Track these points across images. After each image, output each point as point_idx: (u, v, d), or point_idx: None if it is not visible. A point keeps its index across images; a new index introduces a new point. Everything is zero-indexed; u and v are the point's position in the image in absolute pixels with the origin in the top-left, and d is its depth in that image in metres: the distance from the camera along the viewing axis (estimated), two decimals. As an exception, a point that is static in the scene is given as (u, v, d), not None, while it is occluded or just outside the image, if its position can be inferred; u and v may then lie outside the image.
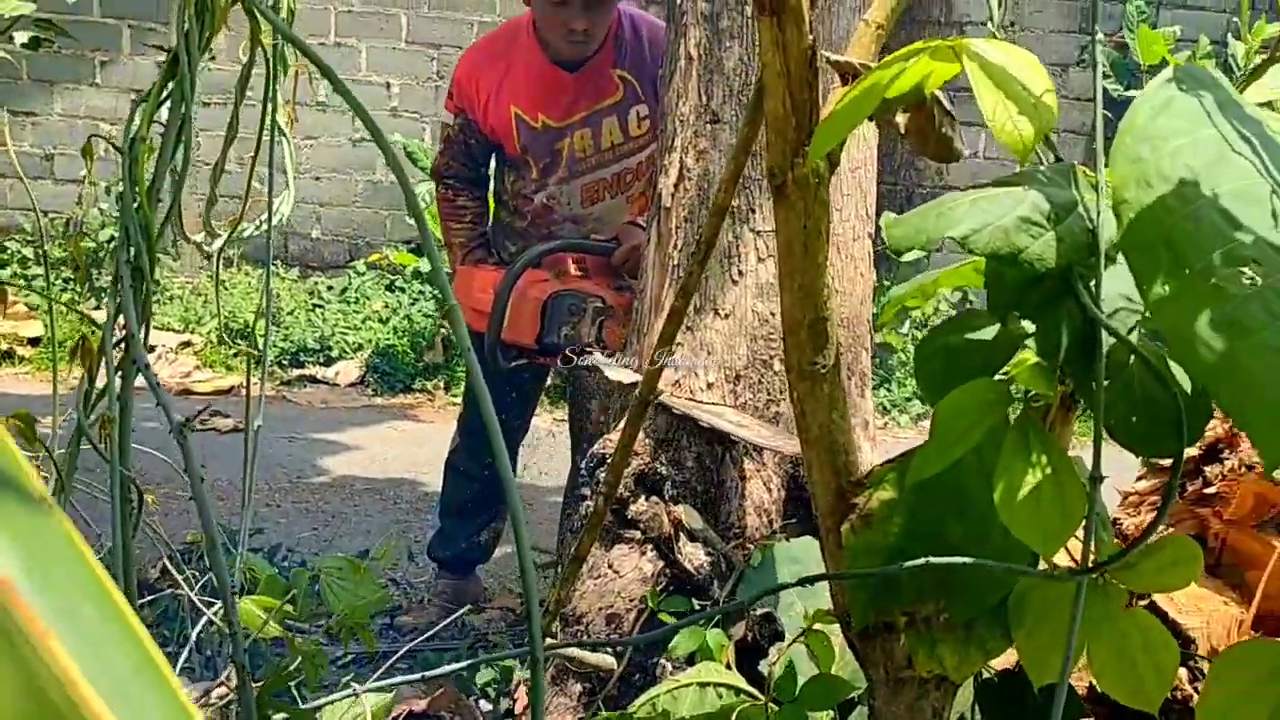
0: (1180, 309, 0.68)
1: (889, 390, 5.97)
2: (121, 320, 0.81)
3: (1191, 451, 1.96)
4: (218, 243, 1.39)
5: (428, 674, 1.15)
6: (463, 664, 1.10)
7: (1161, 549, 1.12)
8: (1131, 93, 6.25)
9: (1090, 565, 1.00)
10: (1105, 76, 6.29)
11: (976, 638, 1.18)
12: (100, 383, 0.83)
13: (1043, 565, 1.14)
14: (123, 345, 0.81)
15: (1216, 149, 0.76)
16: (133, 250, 0.84)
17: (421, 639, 2.18)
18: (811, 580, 1.18)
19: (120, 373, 0.82)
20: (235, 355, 5.76)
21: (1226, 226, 0.71)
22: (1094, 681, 1.71)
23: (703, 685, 1.64)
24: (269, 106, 1.31)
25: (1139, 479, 2.03)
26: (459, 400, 5.59)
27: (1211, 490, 1.95)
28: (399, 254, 6.48)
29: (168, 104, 0.94)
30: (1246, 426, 0.65)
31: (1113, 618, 1.09)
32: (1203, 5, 6.94)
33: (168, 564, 1.96)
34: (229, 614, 0.77)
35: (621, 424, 1.90)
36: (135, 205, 0.84)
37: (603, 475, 1.90)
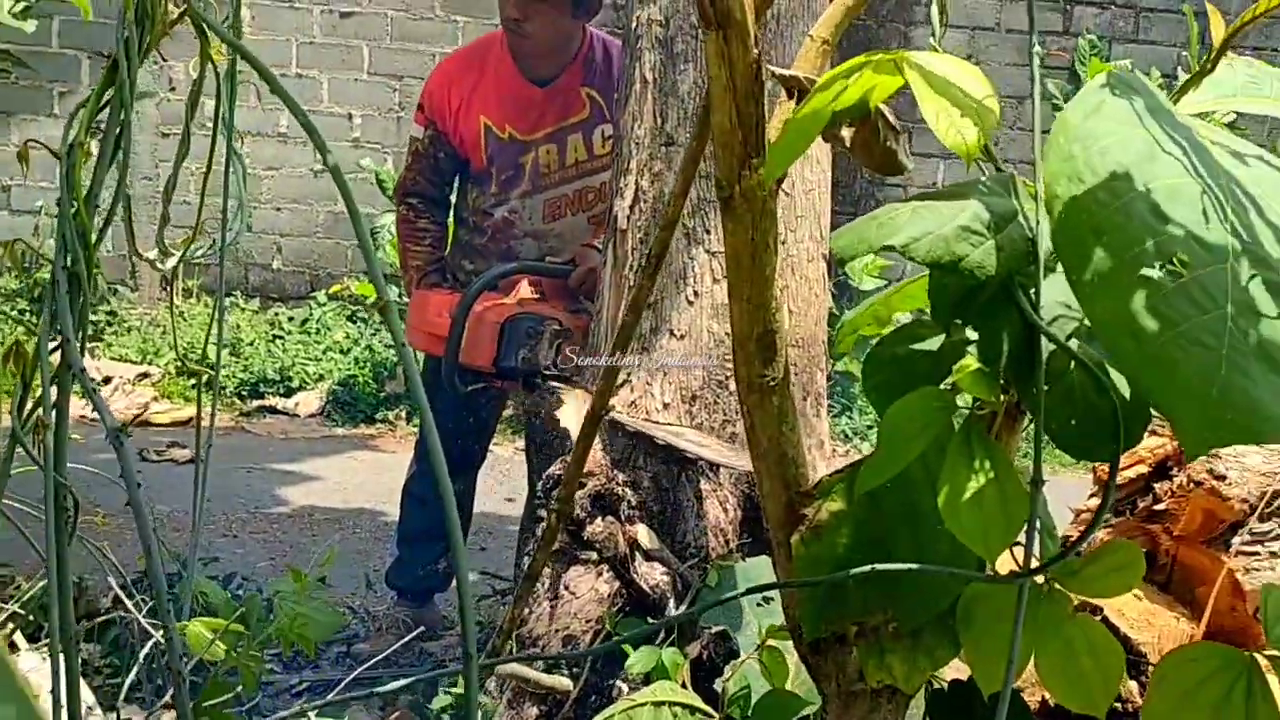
0: (1109, 299, 0.69)
1: (850, 418, 6.00)
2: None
3: (1141, 469, 1.99)
4: (171, 261, 1.38)
5: (378, 690, 1.14)
6: (408, 679, 1.09)
7: (1105, 555, 1.13)
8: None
9: (1033, 568, 1.00)
10: (1057, 108, 6.38)
11: (925, 646, 1.18)
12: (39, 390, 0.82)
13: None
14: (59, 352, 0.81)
15: (1146, 148, 0.77)
16: (69, 257, 0.84)
17: (366, 666, 2.15)
18: (759, 590, 1.18)
19: (56, 380, 0.82)
20: (194, 386, 5.72)
21: (1156, 221, 0.73)
22: (1046, 696, 1.72)
23: (658, 704, 1.63)
24: (219, 122, 1.30)
25: (1091, 496, 2.06)
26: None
27: (1161, 507, 1.97)
28: (360, 285, 6.46)
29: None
30: (1170, 414, 0.66)
31: (1059, 623, 1.09)
32: (1153, 40, 7.09)
33: (119, 591, 1.93)
34: (163, 620, 0.76)
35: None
36: (73, 211, 0.84)
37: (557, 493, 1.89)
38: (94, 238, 0.85)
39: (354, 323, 6.48)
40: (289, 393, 5.95)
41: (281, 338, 6.37)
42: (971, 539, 1.01)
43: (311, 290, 6.75)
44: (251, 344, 6.23)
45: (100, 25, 6.41)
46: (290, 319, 6.55)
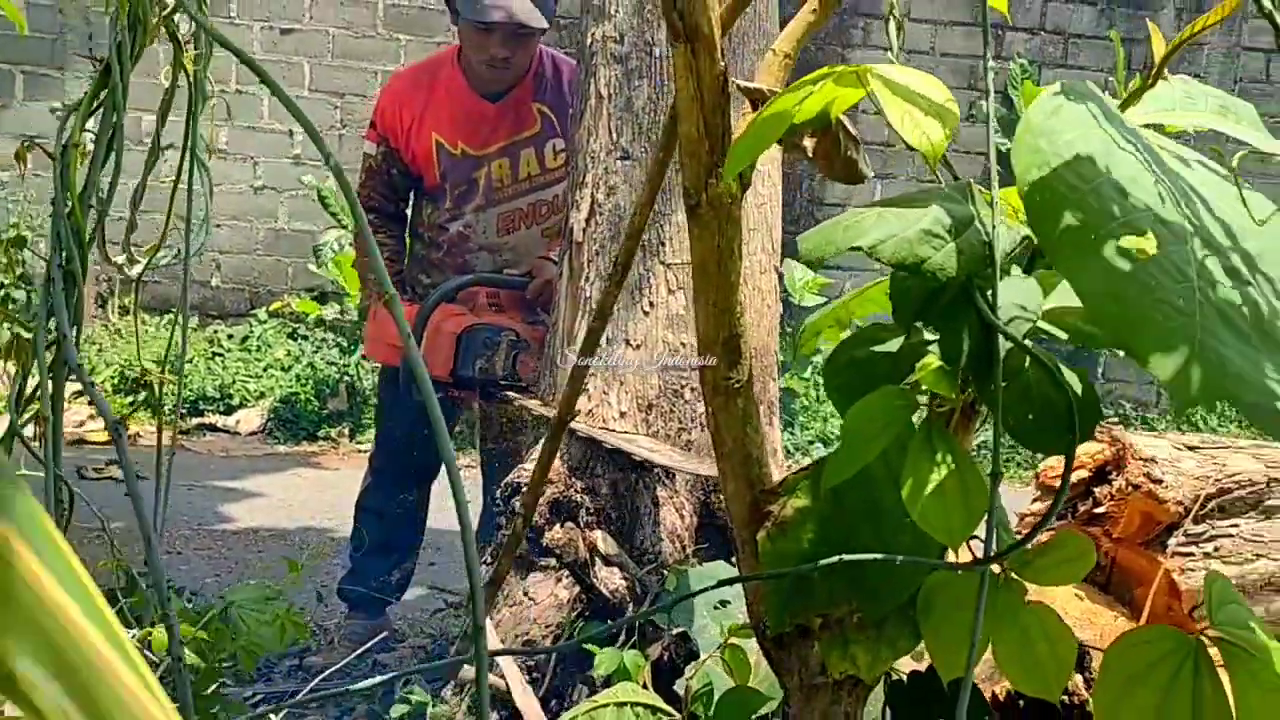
0: (1089, 272, 0.74)
1: (792, 434, 6.07)
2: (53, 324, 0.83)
3: (1082, 473, 2.05)
4: (137, 268, 1.39)
5: (351, 688, 1.16)
6: (391, 675, 1.11)
7: (1056, 547, 1.18)
8: (1018, 146, 6.52)
9: (992, 555, 1.05)
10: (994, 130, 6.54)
11: (888, 637, 1.22)
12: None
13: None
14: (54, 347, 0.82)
15: (1104, 146, 0.83)
16: (64, 254, 0.85)
17: (321, 678, 2.15)
18: (726, 584, 1.21)
19: (52, 374, 0.83)
20: (131, 405, 5.64)
21: (1123, 201, 0.78)
22: (996, 691, 1.77)
23: (620, 705, 1.66)
24: (190, 131, 1.32)
25: (1034, 500, 2.12)
26: (364, 447, 5.54)
27: (1101, 510, 2.03)
28: (301, 302, 6.42)
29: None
30: (1150, 368, 0.71)
31: (1015, 611, 1.14)
32: (1082, 65, 7.29)
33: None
34: (162, 606, 0.78)
35: (538, 448, 1.92)
36: (67, 210, 0.85)
37: (518, 503, 1.92)
38: (87, 234, 0.87)
39: (295, 340, 6.44)
40: (229, 410, 5.89)
41: (221, 355, 6.31)
42: (935, 529, 1.05)
43: (251, 308, 6.70)
44: (190, 361, 6.16)
45: (36, 39, 6.34)
46: (230, 336, 6.50)
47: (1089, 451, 2.03)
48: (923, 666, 1.44)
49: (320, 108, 6.72)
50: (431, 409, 0.70)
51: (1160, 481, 1.95)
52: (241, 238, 6.72)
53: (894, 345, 1.22)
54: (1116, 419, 6.89)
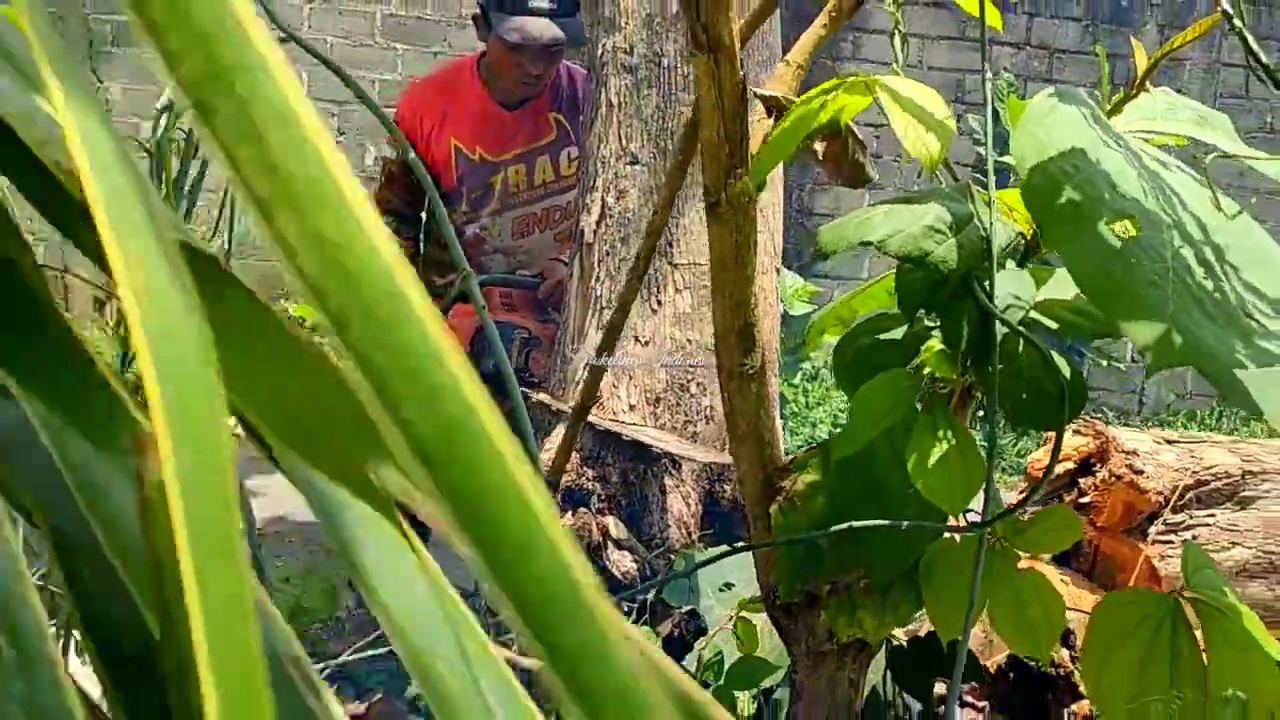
0: (1083, 247, 0.85)
1: (783, 439, 6.18)
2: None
3: (1067, 465, 2.16)
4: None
5: (374, 652, 1.25)
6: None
7: (1047, 517, 1.29)
8: (1006, 158, 6.65)
9: (989, 519, 1.16)
10: (978, 143, 6.67)
11: (892, 602, 1.33)
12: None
13: (947, 539, 1.30)
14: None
15: (1094, 142, 0.94)
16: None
17: (336, 663, 2.23)
18: (741, 549, 1.31)
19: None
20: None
21: (1112, 189, 0.89)
22: (988, 665, 1.88)
23: (633, 677, 1.75)
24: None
25: (1020, 494, 2.23)
26: (360, 450, 5.60)
27: (1086, 500, 2.14)
28: (299, 307, 6.50)
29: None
30: (1135, 340, 0.81)
31: (1009, 576, 1.25)
32: (1066, 80, 7.44)
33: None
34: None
35: (549, 438, 2.02)
36: (161, 198, 0.95)
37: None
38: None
39: (292, 344, 6.51)
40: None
41: (218, 358, 6.39)
42: (939, 498, 1.16)
43: (248, 312, 6.77)
44: (188, 364, 6.22)
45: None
46: (227, 340, 6.57)
47: (1073, 445, 2.14)
48: (923, 632, 1.54)
49: (320, 116, 6.81)
50: (503, 365, 0.80)
51: (1141, 473, 2.06)
52: (237, 241, 6.79)
53: (898, 333, 1.32)
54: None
